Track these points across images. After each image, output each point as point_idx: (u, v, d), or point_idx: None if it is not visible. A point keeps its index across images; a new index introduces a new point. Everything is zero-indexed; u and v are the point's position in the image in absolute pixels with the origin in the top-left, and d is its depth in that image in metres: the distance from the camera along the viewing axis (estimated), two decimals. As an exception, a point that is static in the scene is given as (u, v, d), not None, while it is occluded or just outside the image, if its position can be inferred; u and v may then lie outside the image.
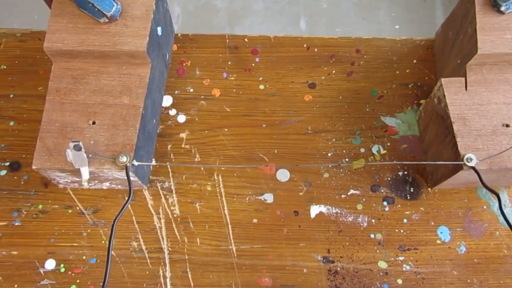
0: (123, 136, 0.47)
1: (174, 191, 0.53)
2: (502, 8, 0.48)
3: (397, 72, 0.59)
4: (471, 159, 0.45)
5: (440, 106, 0.50)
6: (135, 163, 0.46)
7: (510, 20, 0.49)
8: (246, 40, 0.60)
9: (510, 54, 0.48)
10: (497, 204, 0.51)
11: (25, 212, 0.52)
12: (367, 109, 0.57)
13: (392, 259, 0.50)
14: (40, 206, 0.52)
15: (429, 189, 0.53)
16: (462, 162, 0.45)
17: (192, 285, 0.49)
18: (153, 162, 0.54)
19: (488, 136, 0.47)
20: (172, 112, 0.57)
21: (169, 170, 0.54)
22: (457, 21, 0.53)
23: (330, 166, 0.54)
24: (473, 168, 0.45)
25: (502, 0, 0.47)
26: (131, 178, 0.46)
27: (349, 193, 0.53)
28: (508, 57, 0.49)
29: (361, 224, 0.52)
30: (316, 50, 0.60)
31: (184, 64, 0.59)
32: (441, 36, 0.58)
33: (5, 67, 0.58)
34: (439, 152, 0.51)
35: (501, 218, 0.51)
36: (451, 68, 0.54)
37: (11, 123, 0.55)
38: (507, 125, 0.48)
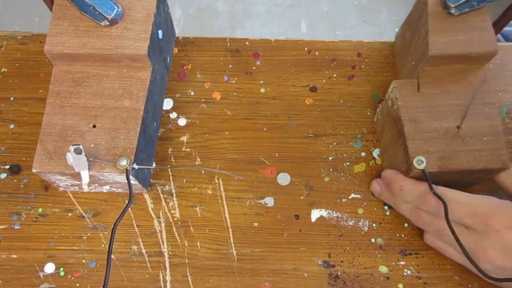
0: (124, 139, 0.47)
1: (174, 195, 0.53)
2: (452, 11, 0.47)
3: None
4: (422, 162, 0.45)
5: (393, 109, 0.49)
6: (136, 166, 0.46)
7: (463, 22, 0.48)
8: (247, 43, 0.60)
9: (462, 55, 0.48)
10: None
11: (25, 216, 0.52)
12: (368, 113, 0.57)
13: (393, 263, 0.50)
14: (40, 210, 0.52)
15: (430, 193, 0.53)
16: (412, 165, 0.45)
17: (192, 289, 0.49)
18: (154, 166, 0.54)
19: (440, 138, 0.46)
20: (173, 115, 0.57)
21: (170, 173, 0.54)
22: (413, 22, 0.53)
23: (330, 170, 0.54)
24: (422, 171, 0.45)
25: (452, 2, 0.47)
26: (132, 182, 0.46)
27: (350, 197, 0.53)
28: (460, 58, 0.48)
29: (362, 229, 0.52)
30: (317, 53, 0.60)
31: (185, 67, 0.59)
32: (400, 37, 0.58)
33: (6, 70, 0.58)
34: (394, 155, 0.50)
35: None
36: (407, 70, 0.53)
37: (12, 126, 0.55)
38: (459, 127, 0.47)
